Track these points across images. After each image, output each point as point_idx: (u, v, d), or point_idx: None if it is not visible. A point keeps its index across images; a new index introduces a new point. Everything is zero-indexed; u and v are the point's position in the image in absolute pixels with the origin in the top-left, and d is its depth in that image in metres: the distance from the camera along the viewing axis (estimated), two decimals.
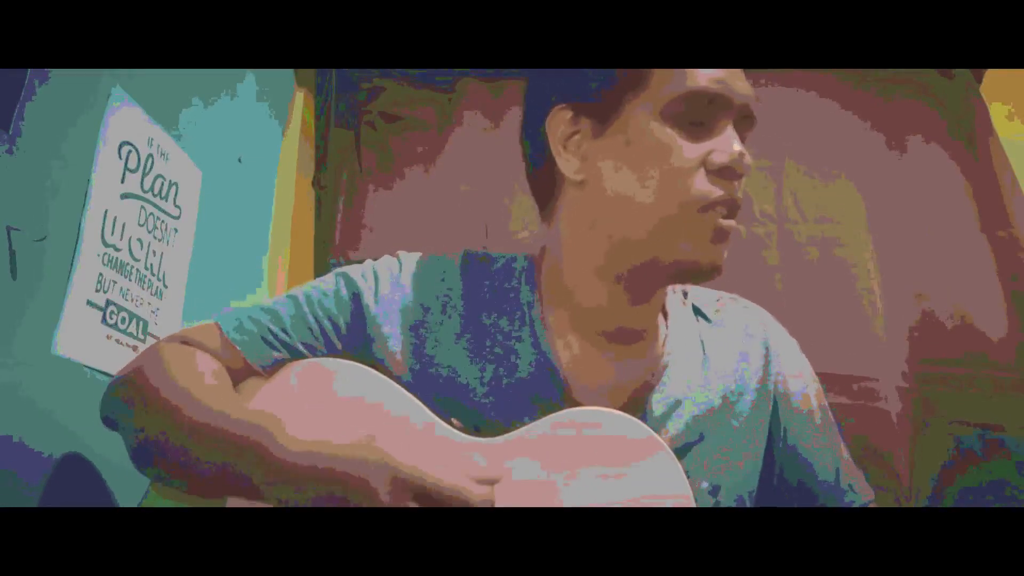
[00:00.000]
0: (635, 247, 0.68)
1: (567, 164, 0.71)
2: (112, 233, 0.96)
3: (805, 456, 0.76)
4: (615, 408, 0.68)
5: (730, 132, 0.66)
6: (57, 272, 0.86)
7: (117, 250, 0.97)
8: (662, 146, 0.65)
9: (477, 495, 0.60)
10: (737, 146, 0.66)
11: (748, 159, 0.66)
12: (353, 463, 0.59)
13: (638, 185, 0.66)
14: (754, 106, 0.69)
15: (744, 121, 0.69)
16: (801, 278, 1.47)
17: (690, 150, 0.65)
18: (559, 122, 0.71)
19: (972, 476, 1.32)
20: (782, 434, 0.77)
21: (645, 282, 0.72)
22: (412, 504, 0.58)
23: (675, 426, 0.72)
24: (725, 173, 0.65)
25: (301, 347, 0.74)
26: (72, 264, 0.88)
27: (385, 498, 0.57)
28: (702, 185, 0.65)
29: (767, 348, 0.79)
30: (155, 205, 1.07)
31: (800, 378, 0.80)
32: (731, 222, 0.67)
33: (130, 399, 0.71)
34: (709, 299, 0.82)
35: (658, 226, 0.66)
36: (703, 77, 0.65)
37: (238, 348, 0.73)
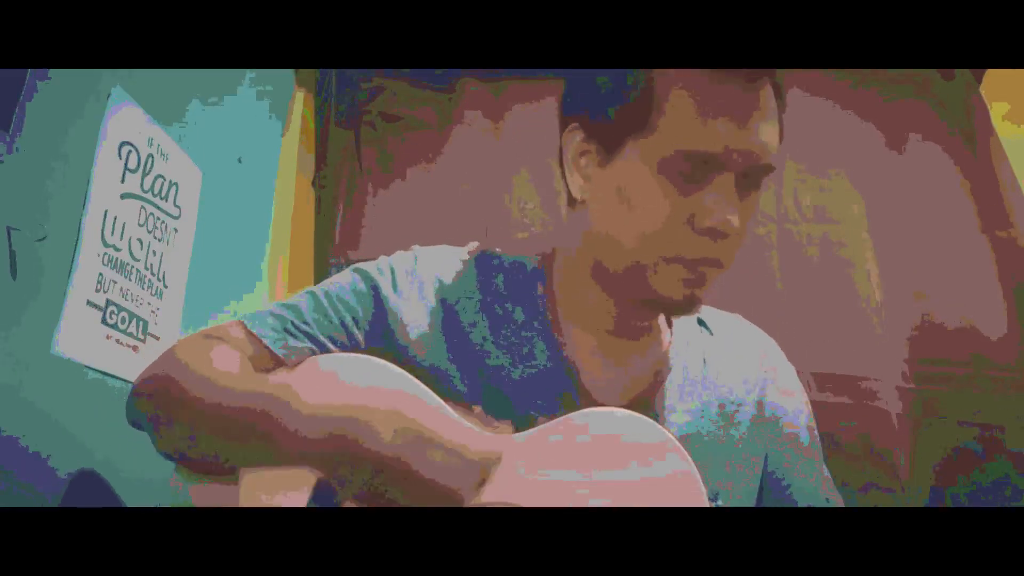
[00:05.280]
0: (617, 279, 0.71)
1: (574, 182, 0.73)
2: (112, 233, 0.96)
3: (787, 483, 0.78)
4: (622, 405, 0.68)
5: (725, 192, 0.64)
6: (57, 272, 0.86)
7: (117, 250, 0.97)
8: (650, 196, 0.65)
9: (475, 452, 0.61)
10: (727, 212, 0.63)
11: (736, 222, 0.64)
12: (364, 410, 0.61)
13: (624, 228, 0.67)
14: (768, 158, 0.66)
15: (759, 170, 0.66)
16: (801, 278, 1.47)
17: (677, 205, 0.64)
18: (572, 140, 0.72)
19: (972, 476, 1.32)
20: (766, 460, 0.78)
21: (631, 301, 0.73)
22: (413, 458, 0.59)
23: (676, 430, 0.72)
24: (710, 233, 0.65)
25: (324, 339, 0.74)
26: (72, 264, 0.88)
27: (388, 442, 0.59)
28: (683, 241, 0.65)
29: (766, 368, 0.81)
30: (155, 205, 1.07)
31: (794, 401, 0.81)
32: (713, 271, 0.67)
33: (150, 407, 0.71)
34: (713, 314, 0.84)
35: (634, 268, 0.68)
36: (705, 140, 0.63)
37: (263, 340, 0.73)
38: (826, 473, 0.81)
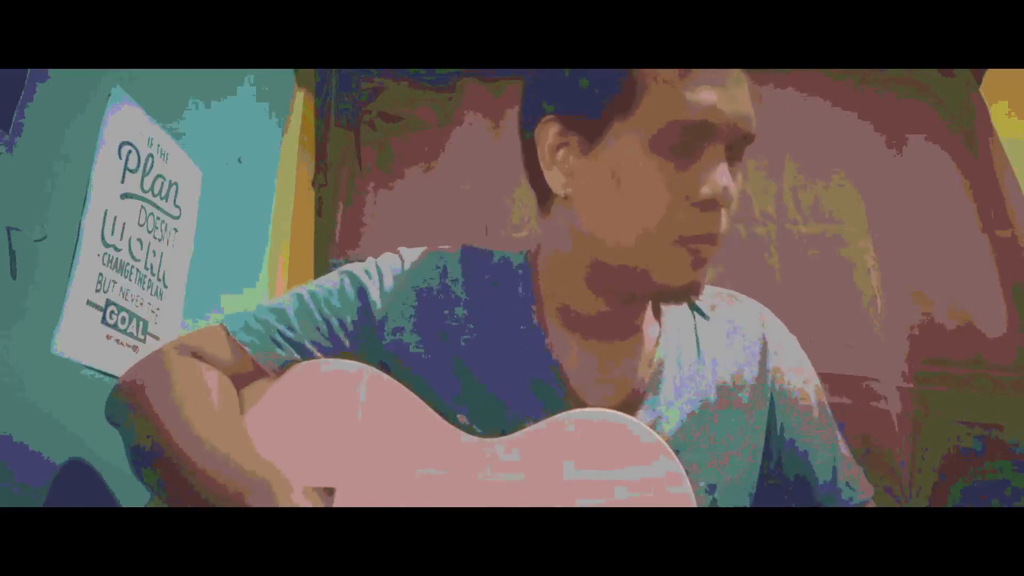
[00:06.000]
0: (613, 270, 0.69)
1: (554, 179, 0.70)
2: (112, 233, 0.96)
3: (803, 451, 0.77)
4: (612, 404, 0.68)
5: (718, 161, 0.64)
6: (57, 272, 0.86)
7: (117, 250, 0.97)
8: (647, 176, 0.64)
9: None
10: (724, 180, 0.64)
11: (734, 190, 0.65)
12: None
13: (621, 214, 0.66)
14: (751, 123, 0.66)
15: (741, 140, 0.66)
16: (801, 278, 1.47)
17: (675, 181, 0.64)
18: (547, 134, 0.70)
19: (972, 476, 1.32)
20: (779, 430, 0.77)
21: (626, 296, 0.72)
22: None
23: (670, 425, 0.72)
24: (708, 205, 0.64)
25: (309, 345, 0.74)
26: (72, 264, 0.88)
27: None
28: (683, 218, 0.64)
29: (764, 343, 0.79)
30: (155, 205, 1.07)
31: (799, 373, 0.80)
32: (711, 248, 0.66)
33: (131, 416, 0.71)
34: (707, 296, 0.82)
35: (635, 254, 0.66)
36: (694, 105, 0.63)
37: (247, 350, 0.73)
38: (844, 452, 0.79)
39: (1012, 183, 1.46)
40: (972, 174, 1.49)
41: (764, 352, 0.79)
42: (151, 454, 0.68)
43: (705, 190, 0.64)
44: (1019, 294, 1.41)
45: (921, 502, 1.33)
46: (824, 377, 1.35)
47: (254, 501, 0.60)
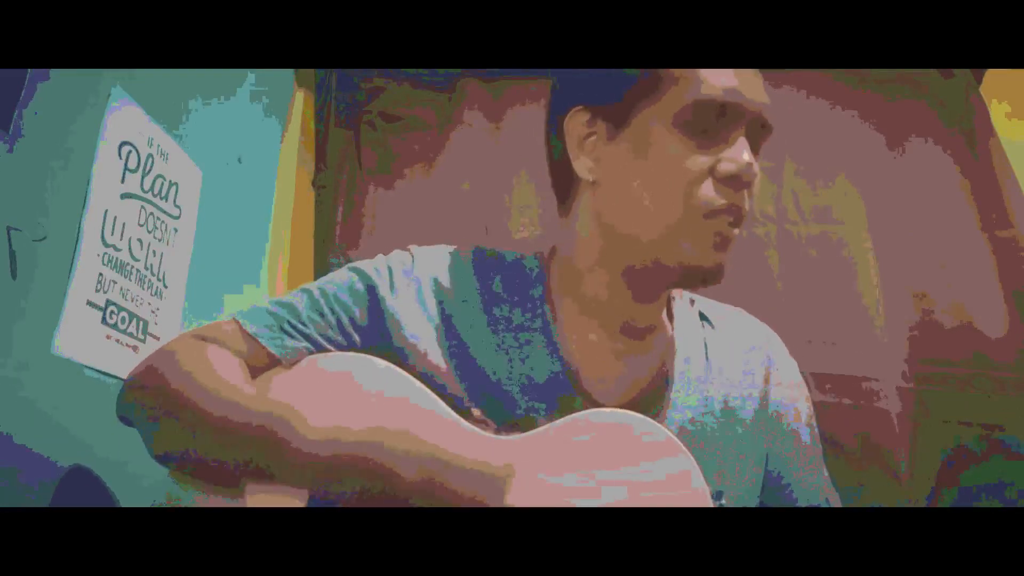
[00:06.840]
0: (641, 249, 0.70)
1: (581, 165, 0.73)
2: (112, 233, 0.96)
3: (787, 481, 0.78)
4: (622, 404, 0.68)
5: (741, 141, 0.67)
6: (57, 272, 0.86)
7: (117, 250, 0.97)
8: (672, 154, 0.67)
9: (498, 474, 0.62)
10: (746, 156, 0.66)
11: (756, 168, 0.67)
12: (375, 448, 0.63)
13: (647, 190, 0.68)
14: (769, 113, 0.69)
15: (759, 129, 0.69)
16: (801, 278, 1.47)
17: (699, 158, 0.66)
18: (576, 123, 0.73)
19: (972, 476, 1.32)
20: (768, 456, 0.78)
21: (650, 282, 0.73)
22: (433, 491, 0.61)
23: (676, 428, 0.72)
24: (732, 182, 0.66)
25: (320, 339, 0.74)
26: (72, 264, 0.88)
27: (409, 480, 0.61)
28: (708, 192, 0.66)
29: (769, 362, 0.80)
30: (155, 205, 1.07)
31: (795, 396, 0.81)
32: (735, 230, 0.68)
33: (145, 400, 0.71)
34: (715, 307, 0.84)
35: (663, 231, 0.68)
36: (715, 86, 0.66)
37: (259, 340, 0.73)
38: (825, 474, 0.81)
39: (1012, 183, 1.46)
40: (972, 174, 1.49)
41: (769, 370, 0.80)
42: (170, 444, 0.69)
43: (729, 166, 0.66)
44: (1019, 294, 1.40)
45: (921, 502, 1.33)
46: (824, 377, 1.37)
47: (277, 430, 0.64)
